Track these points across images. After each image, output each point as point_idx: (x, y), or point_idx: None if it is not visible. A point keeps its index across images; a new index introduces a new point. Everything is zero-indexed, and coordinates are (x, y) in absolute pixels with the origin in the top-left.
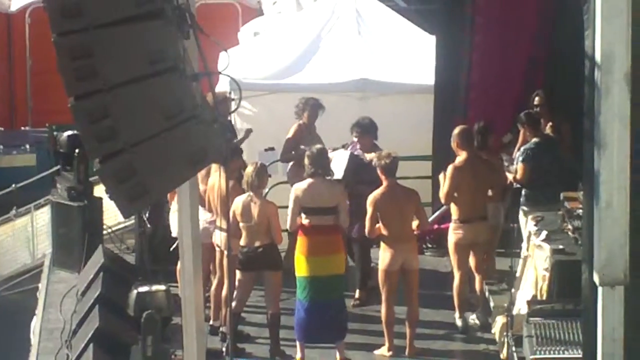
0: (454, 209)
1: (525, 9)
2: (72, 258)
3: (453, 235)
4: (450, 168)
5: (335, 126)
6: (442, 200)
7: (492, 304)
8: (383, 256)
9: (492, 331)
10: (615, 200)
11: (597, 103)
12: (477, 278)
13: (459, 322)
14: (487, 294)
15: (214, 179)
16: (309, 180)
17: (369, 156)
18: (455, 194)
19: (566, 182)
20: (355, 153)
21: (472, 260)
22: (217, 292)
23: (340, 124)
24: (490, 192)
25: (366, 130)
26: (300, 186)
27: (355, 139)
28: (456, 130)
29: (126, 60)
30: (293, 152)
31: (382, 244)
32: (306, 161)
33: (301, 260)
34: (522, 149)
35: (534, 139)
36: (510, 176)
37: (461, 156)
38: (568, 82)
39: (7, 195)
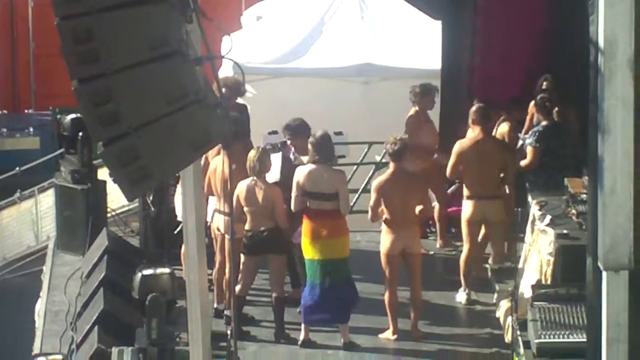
0: (464, 186)
1: None
2: (77, 241)
3: (463, 211)
4: (457, 143)
5: (338, 111)
6: (447, 174)
7: (496, 288)
8: (384, 240)
9: (497, 315)
10: (619, 185)
11: (601, 89)
12: (492, 255)
13: (460, 297)
14: (489, 274)
15: (216, 162)
16: (311, 166)
17: (304, 159)
18: (462, 170)
19: (572, 167)
20: (292, 157)
21: (484, 238)
22: (219, 276)
23: (343, 108)
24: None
25: (297, 132)
26: (302, 171)
27: (289, 142)
28: (473, 108)
29: (129, 44)
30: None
31: (384, 228)
32: (309, 147)
33: (306, 243)
34: (531, 131)
35: (543, 122)
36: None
37: (474, 133)
38: (573, 68)
39: (11, 178)
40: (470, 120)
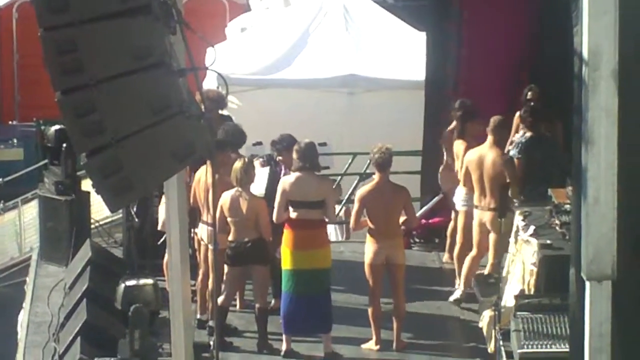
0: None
1: (512, 5)
2: (60, 252)
3: (474, 218)
4: (468, 152)
5: (323, 122)
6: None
7: (480, 299)
8: (367, 250)
9: (480, 325)
10: (602, 196)
11: (585, 99)
12: (488, 265)
13: (456, 294)
14: (473, 286)
15: (200, 173)
16: (297, 174)
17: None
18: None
19: (556, 178)
20: (282, 172)
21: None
22: (203, 286)
23: (327, 119)
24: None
25: (284, 148)
26: (288, 179)
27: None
28: (493, 118)
29: (113, 55)
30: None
31: (367, 238)
32: (294, 155)
33: (286, 253)
34: (515, 142)
35: (528, 134)
36: None
37: (485, 142)
38: (557, 79)
39: None
40: (488, 130)
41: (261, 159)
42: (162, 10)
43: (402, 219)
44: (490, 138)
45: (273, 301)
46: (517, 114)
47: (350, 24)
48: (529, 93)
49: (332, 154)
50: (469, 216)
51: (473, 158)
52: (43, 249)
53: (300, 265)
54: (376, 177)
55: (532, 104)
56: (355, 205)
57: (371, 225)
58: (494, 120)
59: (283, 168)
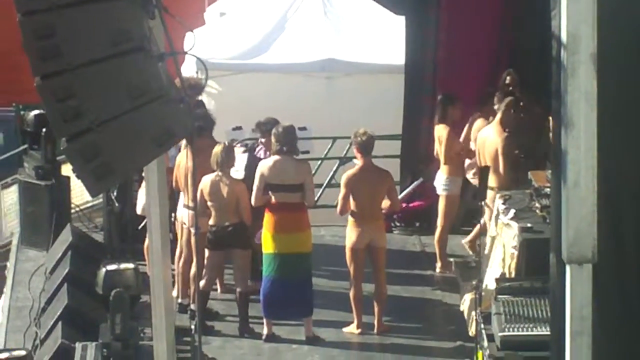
0: None
1: None
2: (41, 237)
3: None
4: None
5: (302, 106)
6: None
7: (460, 282)
8: (350, 234)
9: (461, 308)
10: (582, 179)
11: (564, 83)
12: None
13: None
14: (453, 269)
15: (181, 157)
16: (275, 157)
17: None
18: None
19: (536, 163)
20: (262, 155)
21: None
22: (184, 270)
23: (306, 104)
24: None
25: (268, 130)
26: (266, 163)
27: (263, 140)
28: (506, 98)
29: (91, 40)
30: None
31: (350, 222)
32: (273, 139)
33: (267, 237)
34: None
35: None
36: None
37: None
38: (536, 65)
39: None
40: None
41: (240, 144)
42: None
43: (384, 202)
44: (498, 116)
45: (252, 284)
46: (495, 98)
47: (328, 8)
48: (507, 77)
49: (311, 138)
50: (449, 200)
51: (480, 136)
52: (23, 233)
53: (282, 249)
54: (360, 160)
55: (510, 89)
56: (342, 190)
57: (354, 209)
58: (505, 100)
59: (264, 150)
